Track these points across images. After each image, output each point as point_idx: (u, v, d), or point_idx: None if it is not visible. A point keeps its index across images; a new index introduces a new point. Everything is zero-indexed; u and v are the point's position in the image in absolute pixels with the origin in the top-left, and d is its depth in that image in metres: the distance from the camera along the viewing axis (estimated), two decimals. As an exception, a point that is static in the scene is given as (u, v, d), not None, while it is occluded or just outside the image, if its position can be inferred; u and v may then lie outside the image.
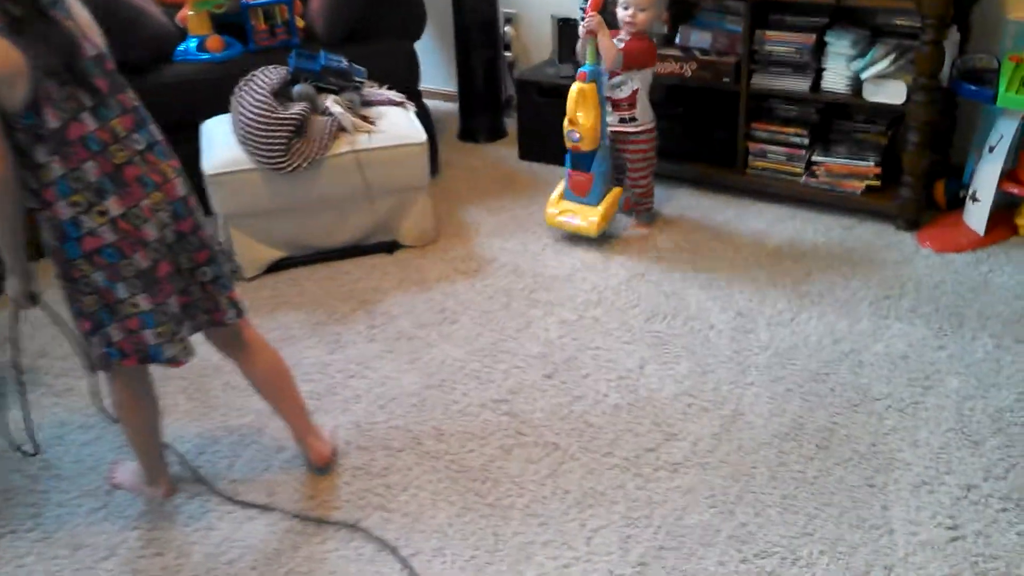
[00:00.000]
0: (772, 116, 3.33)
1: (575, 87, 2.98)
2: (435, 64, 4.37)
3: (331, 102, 2.99)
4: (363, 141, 2.99)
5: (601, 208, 3.06)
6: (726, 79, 3.26)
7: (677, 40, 3.38)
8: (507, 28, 4.14)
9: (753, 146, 3.33)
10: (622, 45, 2.97)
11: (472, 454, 2.25)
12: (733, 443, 2.22)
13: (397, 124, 3.10)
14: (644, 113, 3.09)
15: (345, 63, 3.08)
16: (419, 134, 3.08)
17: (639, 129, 3.10)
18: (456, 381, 2.51)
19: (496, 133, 4.16)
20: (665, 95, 3.41)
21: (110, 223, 1.76)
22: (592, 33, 2.93)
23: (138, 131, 1.81)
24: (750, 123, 3.31)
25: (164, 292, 1.86)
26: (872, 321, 2.64)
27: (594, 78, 2.98)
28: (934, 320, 2.63)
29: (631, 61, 2.98)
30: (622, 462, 2.18)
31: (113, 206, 1.76)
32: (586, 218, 3.06)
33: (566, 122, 3.00)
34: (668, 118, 3.36)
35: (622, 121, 3.10)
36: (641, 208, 3.22)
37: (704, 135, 3.45)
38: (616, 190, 3.12)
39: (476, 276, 3.01)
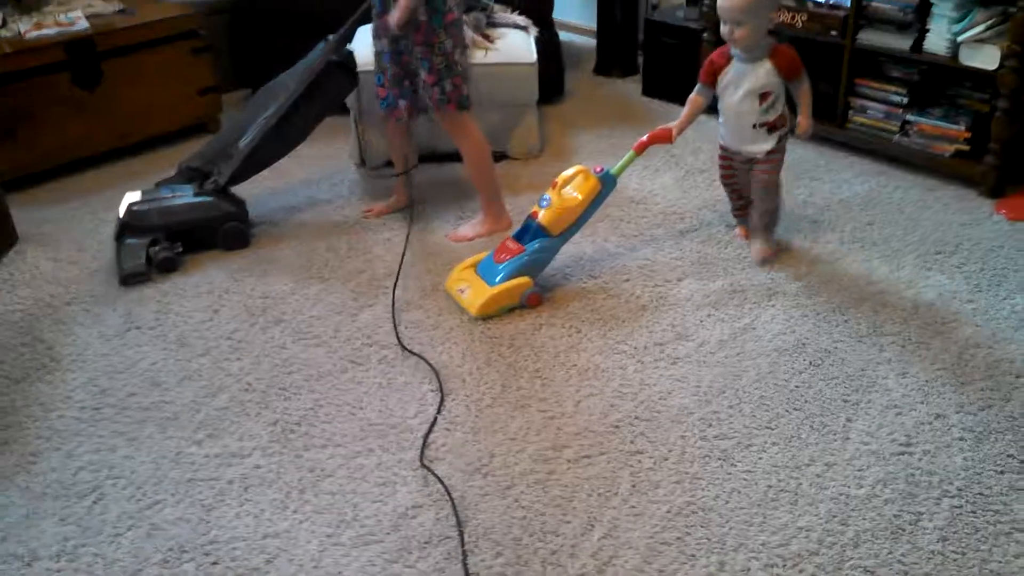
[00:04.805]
0: (878, 73, 3.42)
1: (581, 168, 2.74)
2: (580, 0, 4.65)
3: (456, 18, 3.36)
4: (479, 56, 3.35)
5: (496, 290, 2.60)
6: (833, 32, 3.37)
7: (795, -9, 3.52)
8: (651, -29, 4.36)
9: (855, 101, 3.44)
10: (759, 59, 2.64)
11: (508, 325, 2.60)
12: (735, 349, 2.45)
13: (514, 45, 3.45)
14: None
15: (475, -15, 3.44)
16: (531, 56, 3.41)
17: (779, 145, 2.74)
18: (514, 269, 2.86)
19: (630, 69, 4.41)
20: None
21: (457, 6, 2.77)
22: (640, 147, 2.77)
23: None
24: (854, 78, 3.41)
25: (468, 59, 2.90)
26: (913, 271, 2.77)
27: (606, 183, 2.74)
28: (975, 278, 2.72)
29: (787, 72, 2.64)
30: (630, 349, 2.47)
31: None
32: (476, 293, 2.64)
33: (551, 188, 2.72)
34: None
35: (780, 140, 2.73)
36: (772, 222, 2.85)
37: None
38: (524, 282, 2.63)
39: (563, 189, 3.32)
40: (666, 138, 2.79)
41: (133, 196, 3.00)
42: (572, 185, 2.73)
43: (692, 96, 2.81)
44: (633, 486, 2.03)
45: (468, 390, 2.35)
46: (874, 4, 3.25)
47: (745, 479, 2.03)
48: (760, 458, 2.09)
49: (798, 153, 3.51)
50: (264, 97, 3.13)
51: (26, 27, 3.57)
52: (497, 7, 3.63)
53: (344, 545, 1.91)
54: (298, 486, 2.07)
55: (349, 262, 2.93)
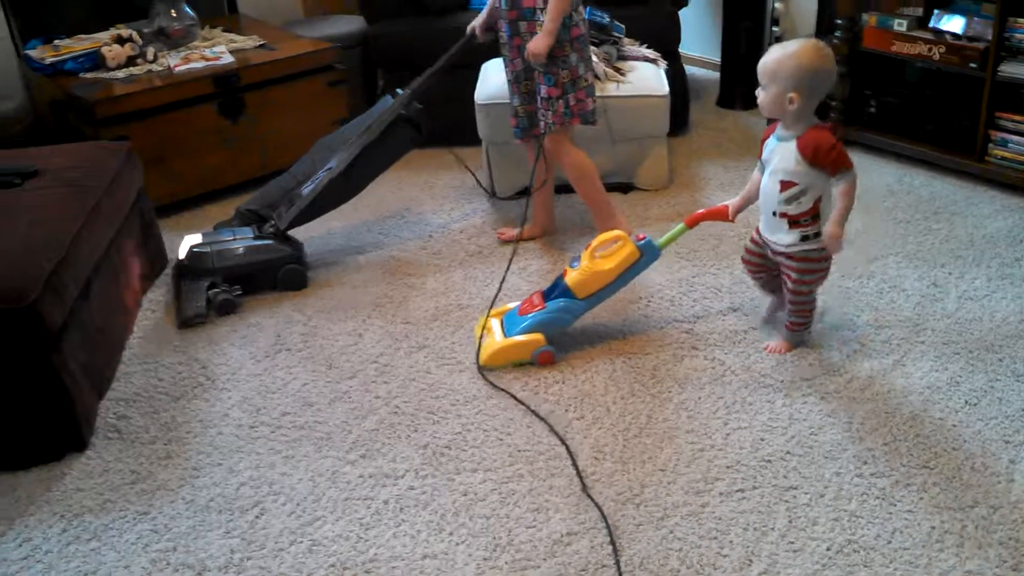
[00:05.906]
0: (1020, 106, 3.33)
1: (620, 234, 2.64)
2: (703, 33, 4.66)
3: (589, 52, 3.41)
4: (611, 89, 3.39)
5: (506, 343, 2.58)
6: (972, 64, 3.30)
7: (931, 23, 3.45)
8: (778, 4, 4.34)
9: (995, 134, 3.36)
10: (791, 139, 2.38)
11: (649, 356, 2.61)
12: (885, 386, 2.41)
13: (645, 78, 3.47)
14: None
15: (607, 19, 3.49)
16: (663, 88, 3.43)
17: (820, 246, 2.43)
18: (652, 301, 2.86)
19: (752, 102, 4.36)
20: (917, 77, 3.51)
21: (583, 21, 2.86)
22: (693, 220, 2.60)
23: None
24: (995, 111, 3.34)
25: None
26: (1069, 309, 2.68)
27: (646, 253, 2.61)
28: None
29: (813, 160, 2.33)
30: (776, 383, 2.45)
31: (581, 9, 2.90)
32: (491, 342, 2.63)
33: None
34: (915, 99, 3.47)
35: (804, 239, 2.43)
36: (798, 328, 2.57)
37: (945, 120, 3.51)
38: (536, 339, 2.56)
39: (694, 220, 3.32)
40: (723, 216, 2.61)
41: (194, 239, 3.09)
42: (608, 250, 2.62)
43: (754, 174, 2.57)
44: (790, 522, 2.01)
45: (613, 419, 2.36)
46: (1017, 36, 3.18)
47: (907, 519, 1.99)
48: (921, 498, 2.04)
49: (935, 188, 3.45)
50: (322, 150, 3.22)
51: (175, 62, 3.76)
52: (627, 40, 3.67)
53: (501, 569, 1.94)
54: (452, 509, 2.11)
55: (487, 290, 2.98)
